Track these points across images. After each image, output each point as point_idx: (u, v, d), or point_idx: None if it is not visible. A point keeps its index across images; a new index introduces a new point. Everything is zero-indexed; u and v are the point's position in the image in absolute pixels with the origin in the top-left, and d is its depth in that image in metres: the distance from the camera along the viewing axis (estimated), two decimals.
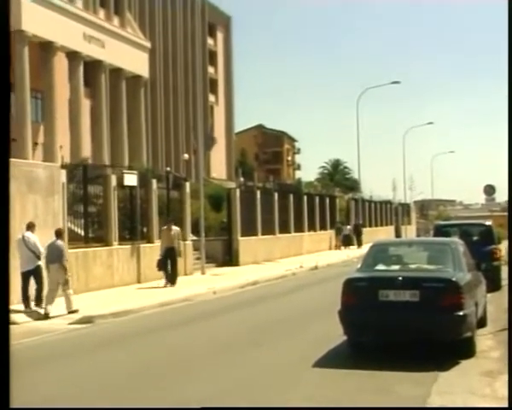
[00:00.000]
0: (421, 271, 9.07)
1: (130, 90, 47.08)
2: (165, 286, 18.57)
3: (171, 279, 18.89)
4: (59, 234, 14.08)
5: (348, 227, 41.40)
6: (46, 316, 13.24)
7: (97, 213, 19.26)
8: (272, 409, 6.48)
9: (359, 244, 40.26)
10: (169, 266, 19.16)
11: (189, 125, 55.87)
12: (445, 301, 8.26)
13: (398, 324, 8.46)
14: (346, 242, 40.07)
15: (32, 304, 13.88)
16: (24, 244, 13.80)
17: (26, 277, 13.89)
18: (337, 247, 39.24)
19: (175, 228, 19.53)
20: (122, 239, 19.60)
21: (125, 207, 20.50)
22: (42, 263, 13.88)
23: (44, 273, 13.93)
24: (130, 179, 20.19)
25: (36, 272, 13.95)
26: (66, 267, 13.79)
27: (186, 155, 51.42)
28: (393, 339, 8.88)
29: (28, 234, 14.01)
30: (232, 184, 42.60)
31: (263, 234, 29.91)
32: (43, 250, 13.83)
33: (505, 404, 5.77)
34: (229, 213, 27.90)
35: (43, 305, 13.56)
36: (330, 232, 39.61)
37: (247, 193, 30.20)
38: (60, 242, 13.87)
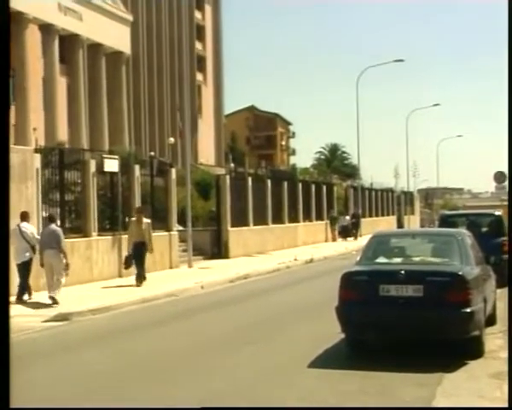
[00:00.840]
0: (426, 264, 9.10)
1: (110, 68, 46.86)
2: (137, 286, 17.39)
3: (138, 279, 17.55)
4: (52, 219, 14.95)
5: (347, 217, 41.39)
6: (55, 302, 14.07)
7: (75, 202, 19.18)
8: (272, 409, 6.75)
9: (357, 236, 40.36)
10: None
11: (175, 106, 55.75)
12: (451, 296, 8.30)
13: (401, 321, 8.49)
14: (344, 233, 40.10)
15: (26, 296, 14.54)
16: (20, 235, 14.29)
17: (22, 268, 14.46)
18: (333, 239, 39.29)
19: (146, 220, 18.25)
20: (102, 230, 19.55)
21: (105, 195, 20.43)
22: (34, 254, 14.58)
23: (36, 261, 14.54)
24: (111, 165, 20.11)
25: (29, 264, 14.58)
26: (65, 252, 14.54)
27: (172, 139, 51.31)
28: (395, 338, 8.92)
29: (25, 224, 14.53)
30: (221, 171, 42.55)
31: (254, 224, 29.95)
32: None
33: (506, 404, 6.03)
34: (218, 201, 27.90)
35: (51, 294, 14.22)
36: (327, 223, 39.73)
37: (237, 180, 30.20)
38: (55, 226, 14.65)
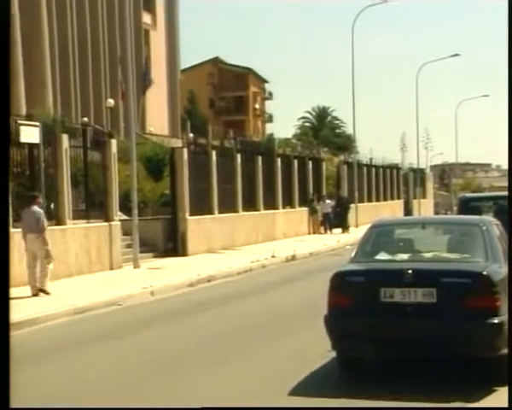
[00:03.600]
0: (440, 261, 9.19)
1: (25, 4, 46.17)
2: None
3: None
4: (33, 199, 16.64)
5: (328, 202, 40.57)
6: (46, 293, 16.52)
7: None
8: (272, 409, 7.43)
9: (344, 227, 40.04)
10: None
11: (115, 56, 55.32)
12: (473, 303, 8.40)
13: (407, 335, 8.57)
14: (328, 223, 39.73)
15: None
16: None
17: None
18: (315, 230, 39.26)
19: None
20: (19, 219, 19.21)
21: (23, 173, 20.28)
22: None
23: (22, 246, 16.38)
24: (30, 134, 19.95)
25: None
26: (45, 237, 16.46)
27: (111, 101, 50.99)
28: (399, 356, 9.02)
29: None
30: (177, 143, 42.42)
31: (221, 212, 30.02)
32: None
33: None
34: (172, 182, 27.89)
35: (38, 285, 16.61)
36: (309, 210, 39.61)
37: (198, 154, 30.17)
38: (36, 208, 16.54)
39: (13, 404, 5.34)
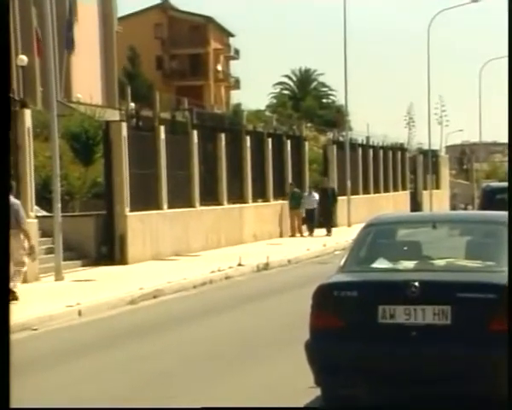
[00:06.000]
0: (456, 271, 9.29)
1: None
2: None
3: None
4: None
5: (314, 195, 40.65)
6: (14, 297, 17.20)
7: None
8: (272, 409, 8.05)
9: (329, 228, 39.82)
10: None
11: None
12: (499, 325, 8.45)
13: (413, 365, 8.64)
14: (309, 222, 39.57)
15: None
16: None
17: None
18: (293, 232, 39.01)
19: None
20: None
21: None
22: None
23: None
24: None
25: None
26: (27, 231, 18.45)
27: (23, 58, 50.74)
28: (403, 395, 9.04)
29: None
30: (114, 115, 42.21)
31: (171, 206, 30.03)
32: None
33: None
34: (107, 166, 27.80)
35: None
36: (288, 204, 39.49)
37: (141, 131, 30.05)
38: (13, 199, 17.81)
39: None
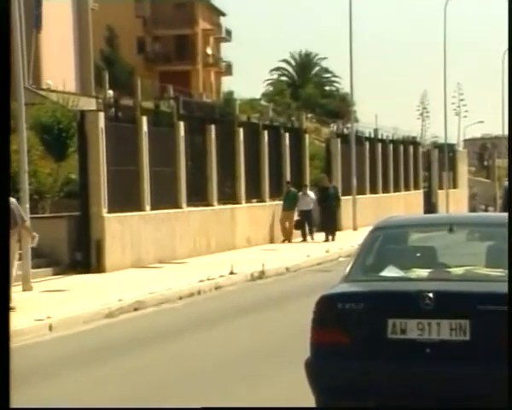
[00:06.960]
0: (476, 280, 9.31)
1: None
2: None
3: None
4: None
5: (310, 195, 40.22)
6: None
7: None
8: (272, 409, 8.77)
9: (329, 233, 39.44)
10: None
11: None
12: None
13: (428, 386, 8.62)
14: (309, 226, 39.26)
15: None
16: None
17: None
18: (287, 233, 38.71)
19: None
20: None
21: None
22: None
23: None
24: None
25: None
26: (28, 226, 20.31)
27: None
28: None
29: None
30: (90, 104, 42.23)
31: (155, 207, 30.14)
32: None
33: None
34: (82, 162, 27.89)
35: None
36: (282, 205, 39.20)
37: (121, 122, 30.11)
38: (11, 198, 18.91)
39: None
